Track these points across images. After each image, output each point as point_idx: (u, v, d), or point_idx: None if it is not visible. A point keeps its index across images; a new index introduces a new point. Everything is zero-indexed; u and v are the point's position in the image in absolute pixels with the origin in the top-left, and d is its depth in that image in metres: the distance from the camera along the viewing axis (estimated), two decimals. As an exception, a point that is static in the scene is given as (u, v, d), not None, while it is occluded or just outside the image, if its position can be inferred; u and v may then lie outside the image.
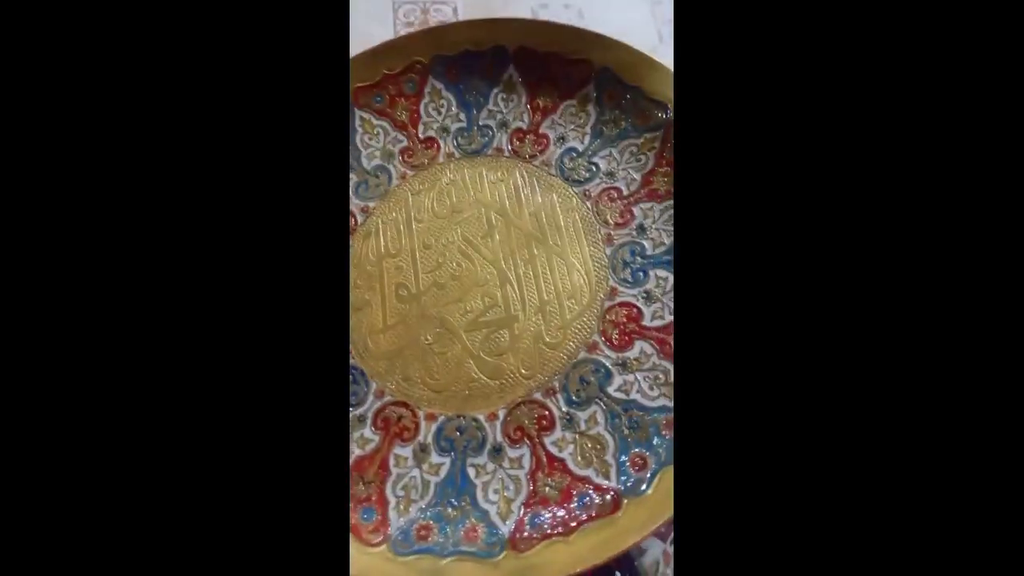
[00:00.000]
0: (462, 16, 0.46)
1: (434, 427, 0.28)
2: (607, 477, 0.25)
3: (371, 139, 0.35)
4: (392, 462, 0.27)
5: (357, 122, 0.35)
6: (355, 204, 0.34)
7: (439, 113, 0.34)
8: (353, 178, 0.34)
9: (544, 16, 0.40)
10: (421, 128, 0.34)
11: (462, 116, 0.34)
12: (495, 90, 0.34)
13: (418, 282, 0.31)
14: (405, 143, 0.34)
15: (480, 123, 0.34)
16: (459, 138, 0.34)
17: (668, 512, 0.22)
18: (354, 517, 0.26)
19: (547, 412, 0.27)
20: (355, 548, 0.25)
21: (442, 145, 0.34)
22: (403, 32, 0.43)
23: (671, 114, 0.31)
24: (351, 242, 0.33)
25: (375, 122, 0.35)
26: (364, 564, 0.24)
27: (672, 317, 0.28)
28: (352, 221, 0.33)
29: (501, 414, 0.27)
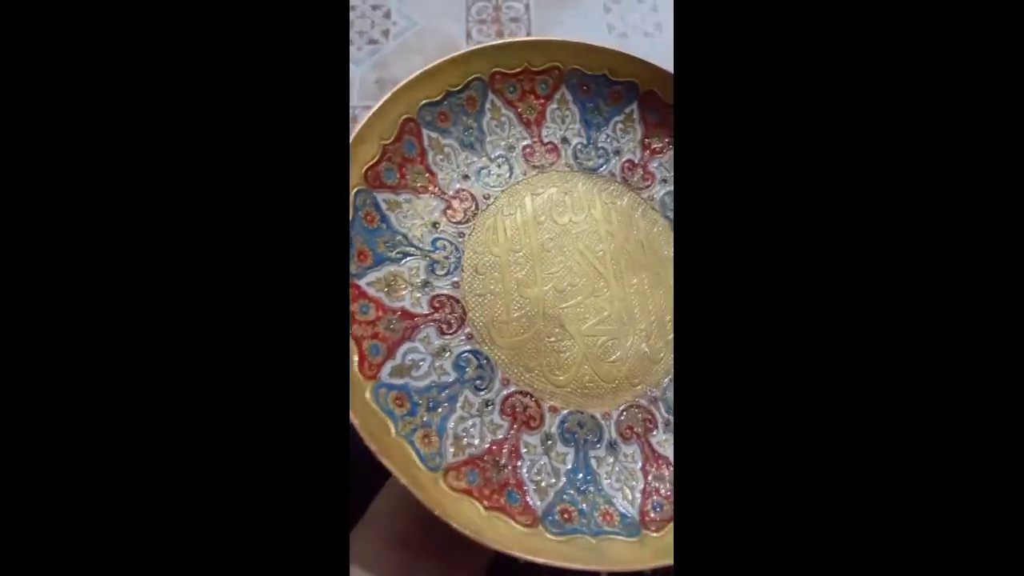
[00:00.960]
0: (533, 13, 0.47)
1: (557, 419, 0.31)
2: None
3: (497, 126, 0.35)
4: (523, 449, 0.29)
5: (488, 104, 0.34)
6: (477, 188, 0.34)
7: (562, 122, 0.36)
8: (476, 161, 0.34)
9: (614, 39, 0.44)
10: (544, 131, 0.36)
11: (583, 132, 0.36)
12: (616, 119, 0.37)
13: (539, 282, 0.33)
14: (528, 141, 0.35)
15: (598, 144, 0.37)
16: (578, 152, 0.36)
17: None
18: (501, 500, 0.27)
19: (652, 416, 0.32)
20: (511, 529, 0.27)
21: (562, 154, 0.36)
22: (475, 27, 0.42)
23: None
24: (472, 227, 0.33)
25: (503, 111, 0.35)
26: (533, 545, 0.26)
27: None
28: (472, 206, 0.33)
29: (614, 414, 0.32)
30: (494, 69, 0.34)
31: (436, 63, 0.32)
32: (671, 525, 0.29)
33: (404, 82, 0.31)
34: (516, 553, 0.25)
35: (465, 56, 0.33)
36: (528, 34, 0.42)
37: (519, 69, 0.35)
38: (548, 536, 0.27)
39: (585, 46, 0.35)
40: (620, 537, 0.28)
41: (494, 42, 0.34)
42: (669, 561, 0.27)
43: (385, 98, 0.31)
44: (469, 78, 0.34)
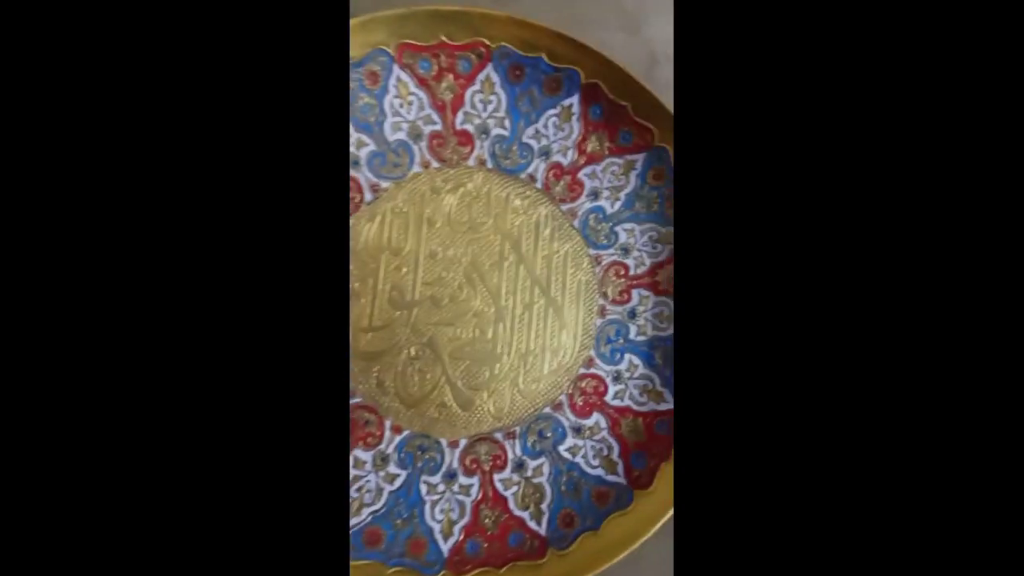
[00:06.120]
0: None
1: (398, 439, 0.30)
2: (539, 523, 0.30)
3: (402, 106, 0.31)
4: (352, 463, 0.29)
5: (393, 81, 0.30)
6: (365, 178, 0.30)
7: (484, 108, 0.31)
8: (370, 145, 0.30)
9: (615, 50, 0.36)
10: (460, 116, 0.31)
11: (507, 123, 0.32)
12: (550, 112, 0.31)
13: (415, 291, 0.30)
14: (439, 127, 0.31)
15: (523, 140, 0.32)
16: (497, 147, 0.32)
17: (586, 574, 0.28)
18: None
19: (502, 453, 0.31)
20: None
21: (477, 147, 0.31)
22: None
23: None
24: (355, 219, 0.30)
25: (412, 89, 0.30)
26: None
27: (630, 402, 0.32)
28: (357, 196, 0.30)
29: (462, 443, 0.30)
30: (401, 40, 0.29)
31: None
32: (477, 571, 0.29)
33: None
34: None
35: (363, 24, 0.28)
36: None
37: (432, 43, 0.30)
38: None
39: (521, 22, 0.29)
40: (414, 572, 0.28)
41: (399, 10, 0.28)
42: None
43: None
44: (370, 49, 0.29)
